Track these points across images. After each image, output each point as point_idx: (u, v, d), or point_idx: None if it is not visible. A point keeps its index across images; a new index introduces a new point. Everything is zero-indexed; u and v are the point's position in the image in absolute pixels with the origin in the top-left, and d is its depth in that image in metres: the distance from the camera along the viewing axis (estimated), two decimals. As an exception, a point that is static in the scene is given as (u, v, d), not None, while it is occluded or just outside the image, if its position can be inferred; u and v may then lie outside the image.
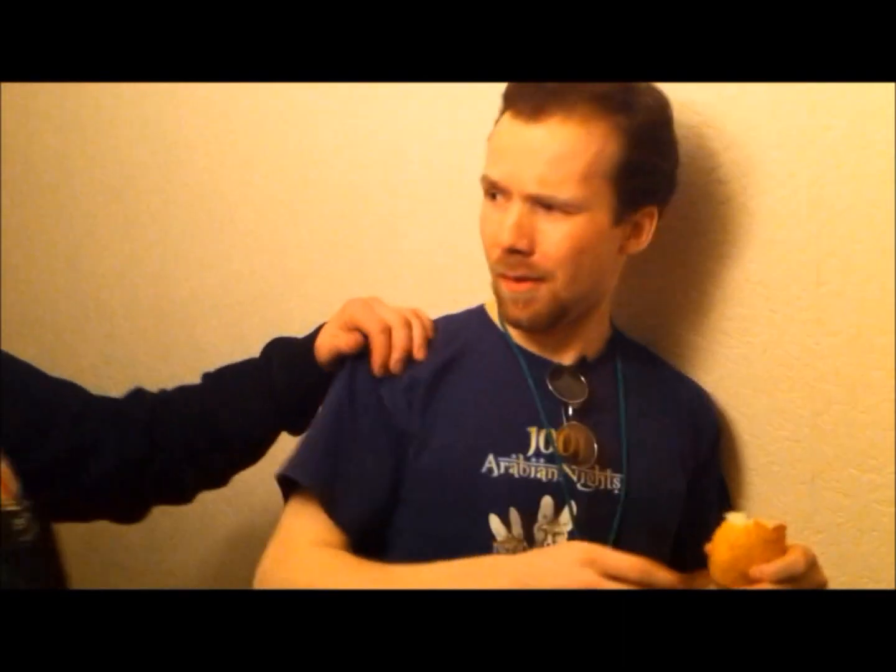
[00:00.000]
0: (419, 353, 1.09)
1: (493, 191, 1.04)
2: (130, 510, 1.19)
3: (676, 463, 1.13)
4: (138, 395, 1.18)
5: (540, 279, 1.03)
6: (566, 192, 1.00)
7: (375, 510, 1.07)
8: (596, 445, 1.07)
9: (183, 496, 1.22)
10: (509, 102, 1.04)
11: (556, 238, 1.01)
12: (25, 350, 1.19)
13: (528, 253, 1.02)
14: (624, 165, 1.02)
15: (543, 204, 1.01)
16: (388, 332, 1.10)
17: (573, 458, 1.06)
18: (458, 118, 1.37)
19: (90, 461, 1.10)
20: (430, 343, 1.11)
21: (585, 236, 1.02)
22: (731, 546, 0.90)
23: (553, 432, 1.06)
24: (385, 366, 1.09)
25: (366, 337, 1.11)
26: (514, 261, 1.03)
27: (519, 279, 1.04)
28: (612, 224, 1.04)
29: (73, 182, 1.70)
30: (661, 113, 1.07)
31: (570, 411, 1.08)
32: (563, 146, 0.99)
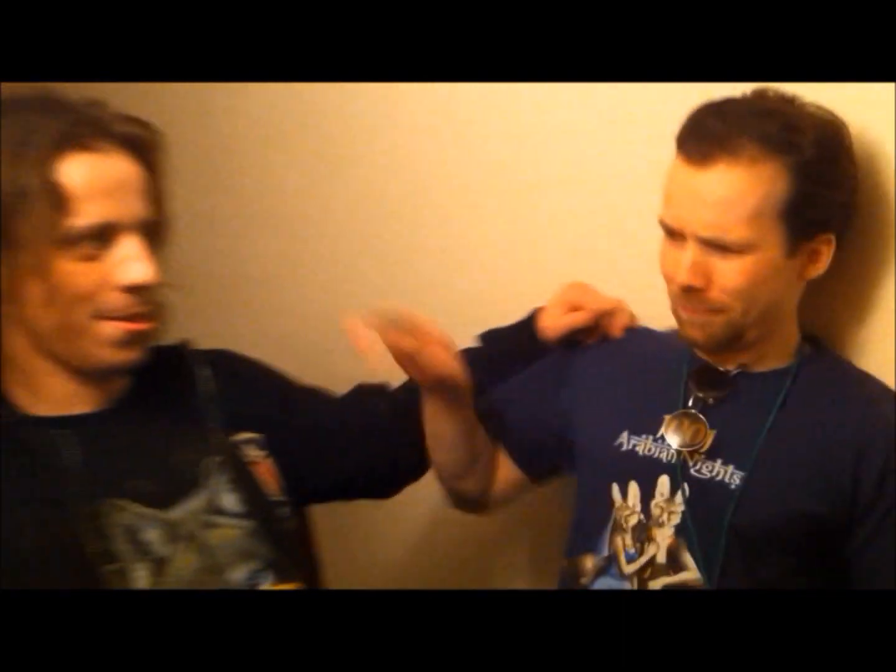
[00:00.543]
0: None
1: (669, 232, 1.11)
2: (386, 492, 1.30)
3: (822, 486, 1.10)
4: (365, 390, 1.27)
5: (716, 311, 1.09)
6: (734, 234, 1.05)
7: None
8: (711, 439, 1.13)
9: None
10: (680, 147, 1.08)
11: (730, 276, 1.07)
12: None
13: (704, 290, 1.08)
14: (793, 202, 1.05)
15: (716, 245, 1.06)
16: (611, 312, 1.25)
17: (688, 444, 1.13)
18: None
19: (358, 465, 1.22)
20: (626, 338, 1.27)
21: (758, 272, 1.07)
22: None
23: (671, 418, 1.15)
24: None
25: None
26: (692, 296, 1.09)
27: (695, 310, 1.10)
28: (786, 257, 1.08)
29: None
30: (831, 144, 1.08)
31: (702, 406, 1.15)
32: (729, 191, 1.04)
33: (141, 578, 0.95)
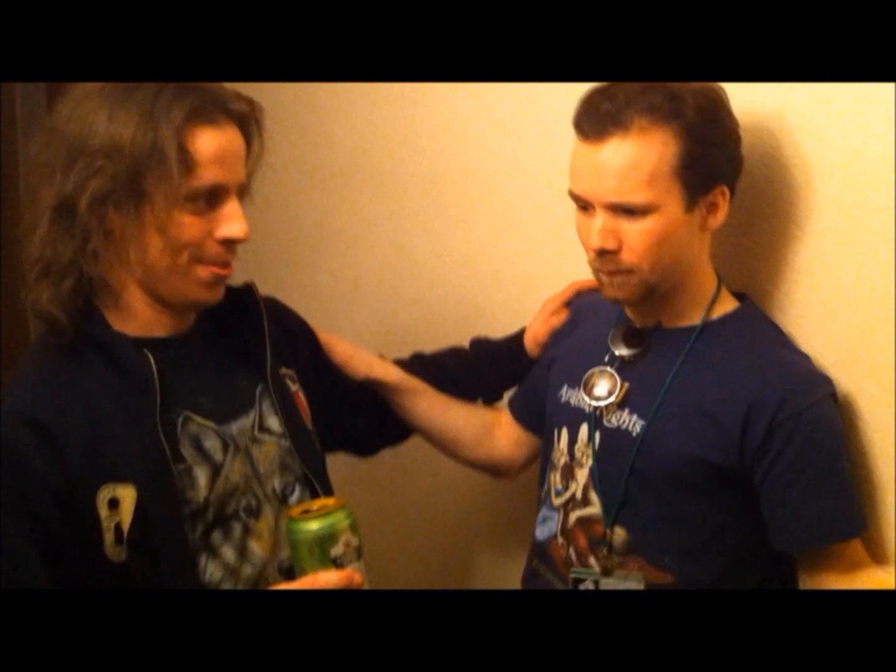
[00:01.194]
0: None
1: (580, 203, 1.21)
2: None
3: (714, 435, 1.18)
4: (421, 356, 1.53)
5: (629, 271, 1.19)
6: (636, 196, 1.14)
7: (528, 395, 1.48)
8: (620, 390, 1.26)
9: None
10: (577, 128, 1.18)
11: (637, 236, 1.16)
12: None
13: (616, 251, 1.18)
14: (684, 162, 1.14)
15: (622, 209, 1.16)
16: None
17: (601, 397, 1.27)
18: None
19: None
20: (581, 304, 1.44)
21: (662, 229, 1.16)
22: None
23: (590, 374, 1.29)
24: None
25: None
26: (605, 259, 1.19)
27: (612, 273, 1.20)
28: (685, 212, 1.17)
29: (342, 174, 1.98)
30: (711, 107, 1.17)
31: (620, 362, 1.28)
32: (626, 159, 1.14)
33: (201, 478, 1.10)
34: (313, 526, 0.99)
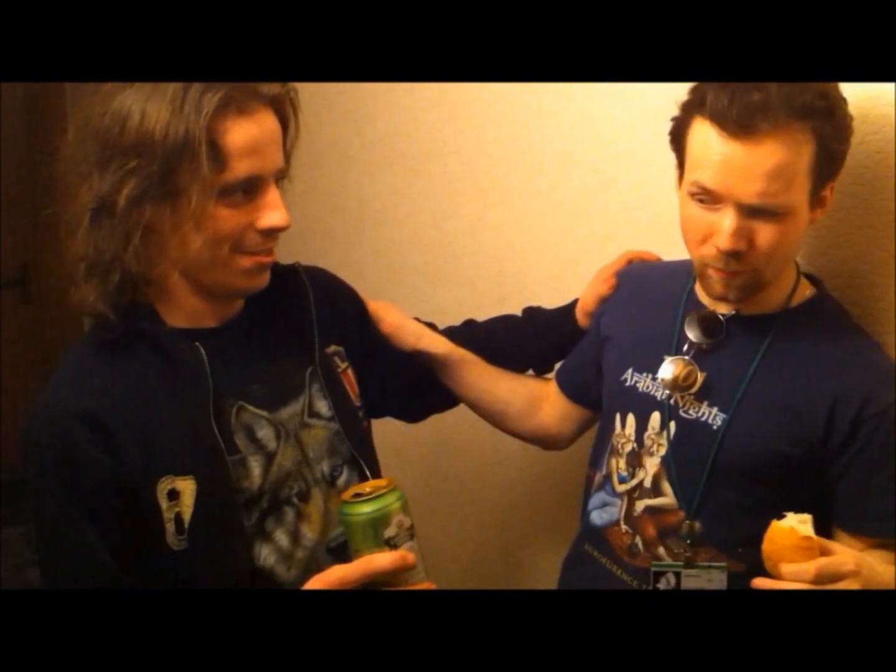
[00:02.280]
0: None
1: (703, 196, 1.13)
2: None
3: (796, 430, 1.17)
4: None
5: (751, 271, 1.15)
6: (783, 199, 1.10)
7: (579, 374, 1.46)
8: (700, 381, 1.22)
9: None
10: (716, 119, 1.10)
11: (769, 237, 1.12)
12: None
13: (745, 252, 1.13)
14: (817, 160, 1.11)
15: (759, 211, 1.11)
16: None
17: (681, 388, 1.23)
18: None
19: None
20: (632, 274, 1.41)
21: (794, 231, 1.14)
22: (771, 541, 1.01)
23: (668, 362, 1.25)
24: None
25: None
26: (732, 260, 1.14)
27: (733, 273, 1.16)
28: (809, 209, 1.15)
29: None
30: (843, 102, 1.13)
31: (697, 350, 1.25)
32: (779, 162, 1.08)
33: (255, 468, 1.11)
34: (366, 509, 1.00)
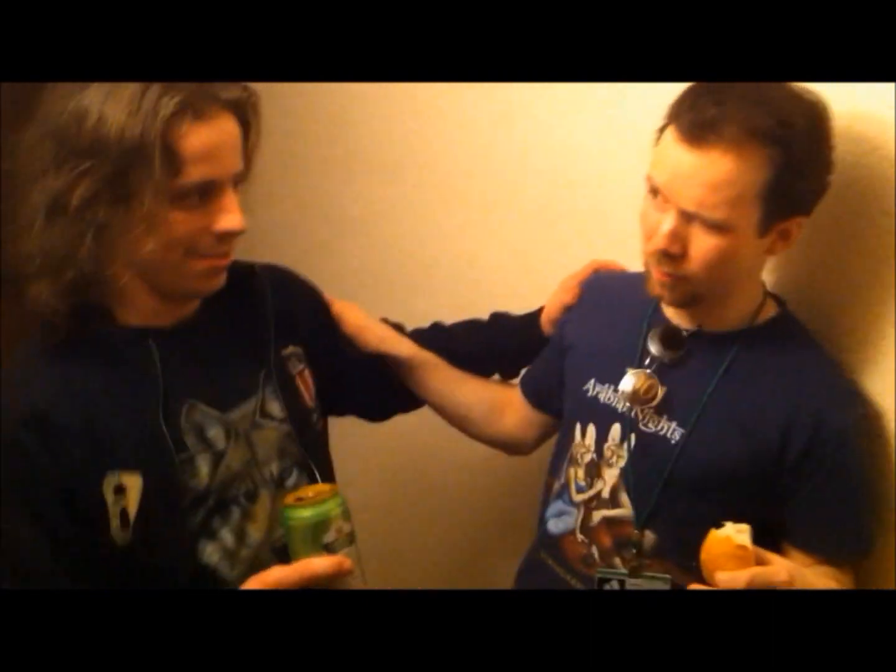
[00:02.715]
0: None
1: (654, 193, 1.16)
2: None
3: (752, 448, 1.18)
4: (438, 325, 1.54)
5: (683, 278, 1.16)
6: (718, 214, 1.10)
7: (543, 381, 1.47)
8: (660, 395, 1.23)
9: None
10: (675, 120, 1.13)
11: (704, 249, 1.13)
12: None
13: (679, 256, 1.15)
14: (772, 188, 1.10)
15: (696, 219, 1.12)
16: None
17: (641, 401, 1.24)
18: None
19: None
20: (597, 283, 1.42)
21: (729, 248, 1.13)
22: (707, 550, 1.03)
23: (629, 374, 1.26)
24: None
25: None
26: (666, 260, 1.16)
27: (666, 274, 1.17)
28: (757, 236, 1.14)
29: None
30: (817, 135, 1.12)
31: (659, 364, 1.25)
32: (719, 175, 1.09)
33: (203, 467, 1.12)
34: (306, 514, 1.01)
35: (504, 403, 1.50)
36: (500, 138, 1.74)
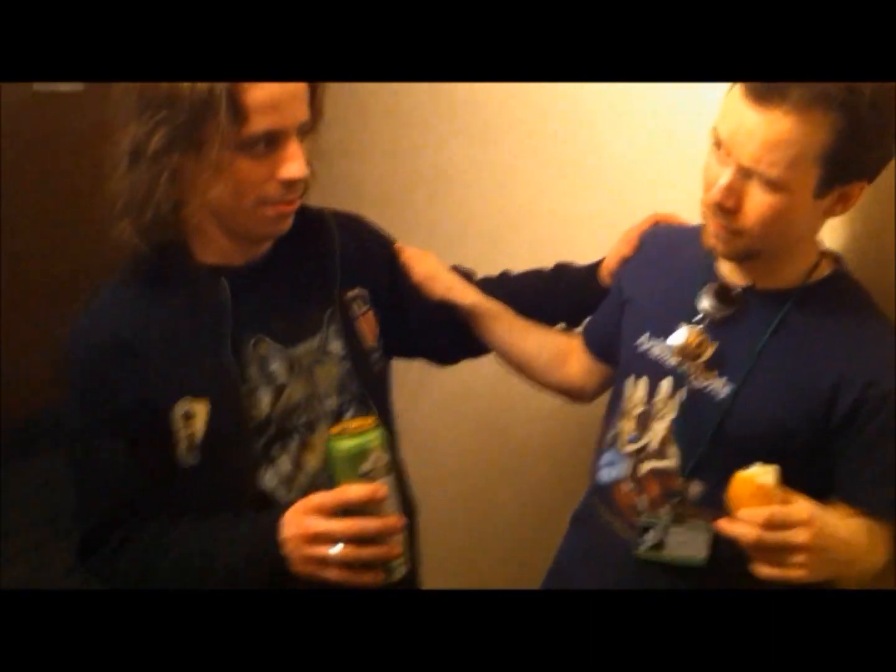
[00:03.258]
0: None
1: (718, 145, 1.17)
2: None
3: (800, 406, 1.19)
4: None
5: (738, 232, 1.17)
6: (775, 172, 1.11)
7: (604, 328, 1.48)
8: (710, 352, 1.25)
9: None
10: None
11: (758, 205, 1.14)
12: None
13: (734, 211, 1.15)
14: (833, 153, 1.10)
15: (753, 175, 1.13)
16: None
17: (691, 356, 1.26)
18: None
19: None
20: (656, 237, 1.43)
21: (785, 209, 1.13)
22: (732, 488, 1.08)
23: (681, 330, 1.28)
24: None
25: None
26: (721, 214, 1.17)
27: (721, 226, 1.18)
28: (815, 198, 1.14)
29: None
30: (884, 110, 1.11)
31: (710, 320, 1.27)
32: (781, 135, 1.10)
33: (264, 398, 1.21)
34: (347, 444, 1.08)
35: (567, 352, 1.54)
36: (520, 133, 1.82)
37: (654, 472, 1.29)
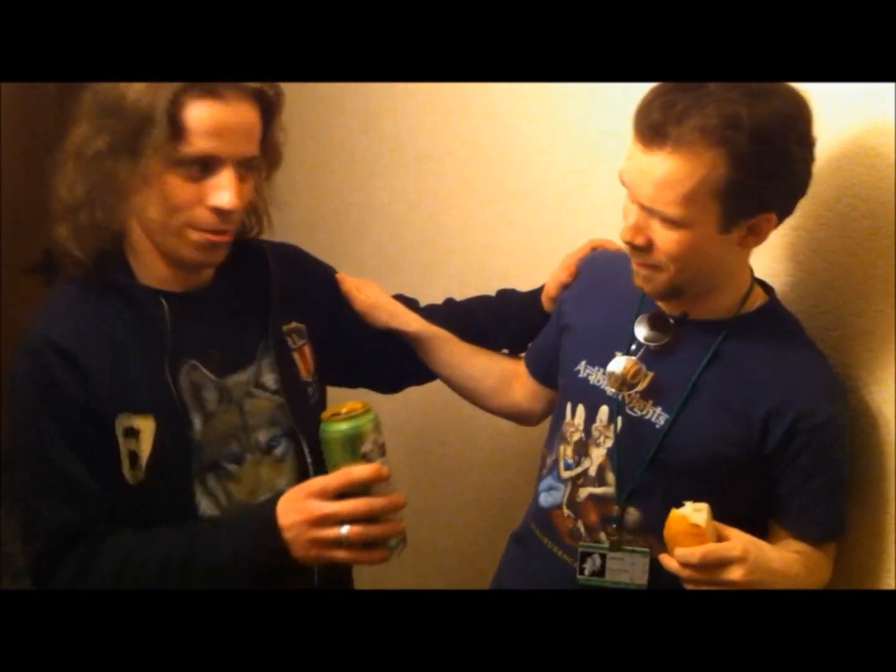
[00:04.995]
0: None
1: (622, 184, 1.20)
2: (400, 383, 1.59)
3: (735, 435, 1.21)
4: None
5: (656, 267, 1.19)
6: (670, 210, 1.13)
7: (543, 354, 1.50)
8: (647, 381, 1.26)
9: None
10: (634, 124, 1.16)
11: (665, 242, 1.16)
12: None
13: (647, 248, 1.18)
14: (728, 187, 1.11)
15: (654, 213, 1.15)
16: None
17: (627, 385, 1.27)
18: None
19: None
20: (594, 263, 1.44)
21: (692, 244, 1.15)
22: (668, 526, 1.10)
23: (617, 359, 1.29)
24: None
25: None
26: (635, 252, 1.20)
27: (640, 264, 1.21)
28: (720, 232, 1.15)
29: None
30: (772, 136, 1.11)
31: (646, 349, 1.28)
32: (668, 174, 1.12)
33: (197, 423, 1.20)
34: (343, 426, 1.09)
35: (512, 376, 1.54)
36: (514, 134, 1.82)
37: (592, 498, 1.30)
